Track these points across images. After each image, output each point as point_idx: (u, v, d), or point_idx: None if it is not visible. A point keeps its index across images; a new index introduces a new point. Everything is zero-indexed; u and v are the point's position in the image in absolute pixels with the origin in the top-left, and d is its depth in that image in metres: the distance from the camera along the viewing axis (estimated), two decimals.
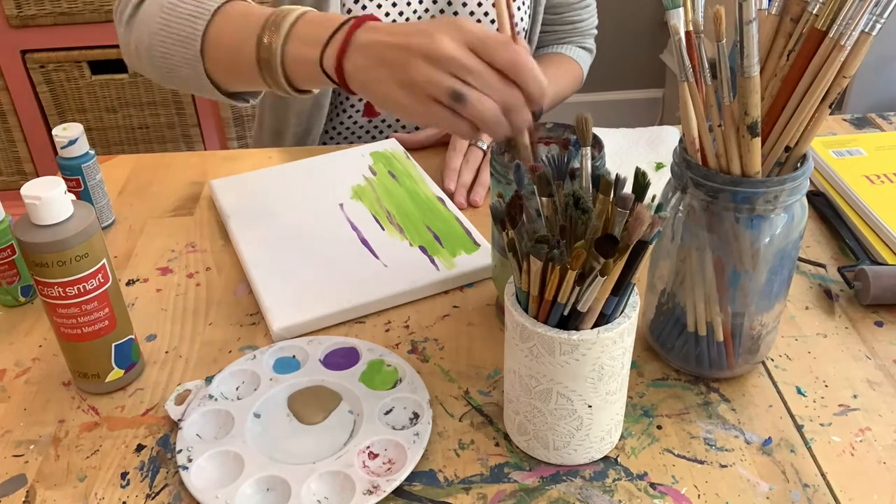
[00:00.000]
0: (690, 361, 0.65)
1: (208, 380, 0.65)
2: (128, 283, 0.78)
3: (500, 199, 0.53)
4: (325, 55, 0.60)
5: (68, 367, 0.66)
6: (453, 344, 0.70)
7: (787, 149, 0.57)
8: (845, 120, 1.04)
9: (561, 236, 0.51)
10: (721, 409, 0.63)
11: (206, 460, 0.58)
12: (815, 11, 0.53)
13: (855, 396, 0.64)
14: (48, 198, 0.58)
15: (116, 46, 2.06)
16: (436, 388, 0.65)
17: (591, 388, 0.54)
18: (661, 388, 0.65)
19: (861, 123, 1.03)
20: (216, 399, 0.63)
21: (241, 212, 0.85)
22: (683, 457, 0.59)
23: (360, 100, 1.06)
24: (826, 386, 0.65)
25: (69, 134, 0.80)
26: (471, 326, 0.72)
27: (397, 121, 1.11)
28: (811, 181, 0.78)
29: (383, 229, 0.82)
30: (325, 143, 1.13)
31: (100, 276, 0.61)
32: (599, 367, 0.53)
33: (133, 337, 0.66)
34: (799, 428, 0.61)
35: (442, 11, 1.01)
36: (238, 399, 0.64)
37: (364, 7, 0.98)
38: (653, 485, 0.57)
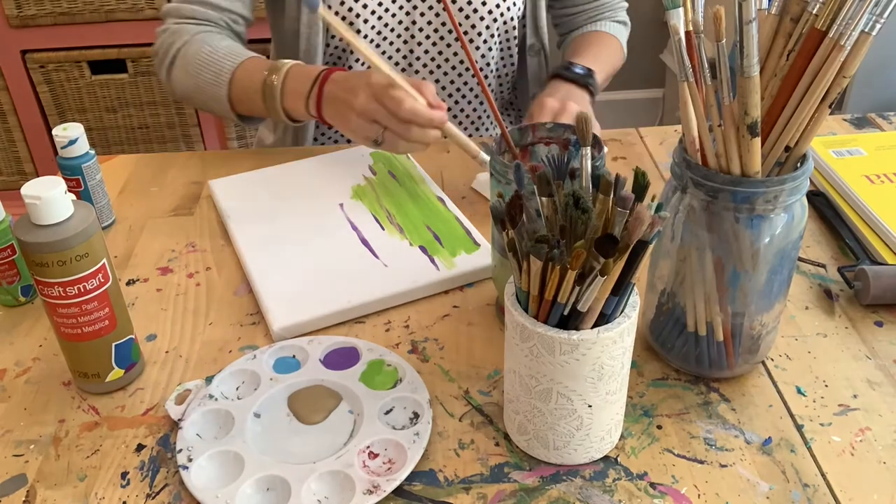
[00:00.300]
0: (690, 361, 0.65)
1: (208, 380, 0.65)
2: (128, 283, 0.78)
3: (500, 199, 0.53)
4: (308, 105, 0.87)
5: (68, 367, 0.66)
6: (453, 344, 0.70)
7: (787, 149, 0.57)
8: (845, 120, 1.04)
9: (561, 236, 0.51)
10: (721, 409, 0.63)
11: (206, 460, 0.59)
12: (814, 11, 0.53)
13: (855, 396, 0.64)
14: (48, 198, 0.58)
15: (116, 46, 2.07)
16: (436, 388, 0.65)
17: (591, 387, 0.54)
18: (661, 387, 0.65)
19: (861, 123, 1.03)
20: (216, 399, 0.63)
21: (241, 212, 0.85)
22: (683, 457, 0.59)
23: None
24: (826, 386, 0.65)
25: (69, 134, 0.80)
26: (471, 326, 0.72)
27: None
28: (811, 181, 0.78)
29: (383, 229, 0.82)
30: (318, 142, 1.13)
31: (100, 275, 0.61)
32: (599, 367, 0.53)
33: (133, 337, 0.66)
34: (799, 428, 0.61)
35: (430, 8, 1.02)
36: (238, 399, 0.64)
37: (350, 8, 0.98)
38: (653, 485, 0.57)
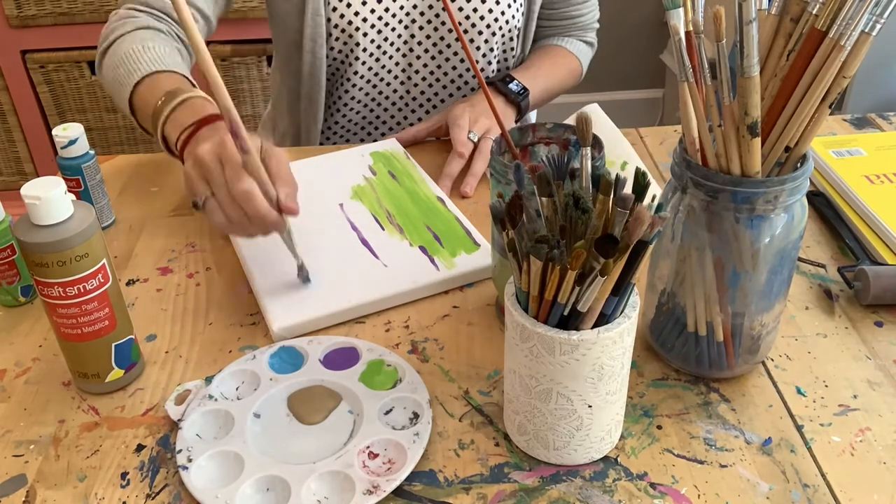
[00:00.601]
0: (690, 361, 0.65)
1: (208, 380, 0.65)
2: (128, 283, 0.78)
3: (500, 199, 0.53)
4: (179, 140, 0.76)
5: (68, 367, 0.66)
6: (453, 344, 0.70)
7: (787, 149, 0.57)
8: (845, 120, 1.04)
9: (561, 236, 0.51)
10: (721, 409, 0.63)
11: (206, 460, 0.59)
12: (814, 11, 0.53)
13: (855, 396, 0.64)
14: (48, 198, 0.58)
15: None
16: (436, 388, 0.65)
17: (591, 388, 0.54)
18: (661, 388, 0.65)
19: (861, 123, 1.03)
20: (216, 399, 0.63)
21: None
22: (683, 457, 0.59)
23: (353, 98, 1.08)
24: (826, 386, 0.65)
25: (69, 134, 0.80)
26: (471, 326, 0.72)
27: (392, 117, 1.12)
28: (811, 181, 0.78)
29: (383, 229, 0.82)
30: (321, 144, 1.13)
31: (100, 276, 0.61)
32: (599, 367, 0.53)
33: (133, 337, 0.66)
34: (799, 428, 0.61)
35: (430, 7, 1.02)
36: (238, 399, 0.64)
37: (349, 5, 0.98)
38: (653, 485, 0.57)
